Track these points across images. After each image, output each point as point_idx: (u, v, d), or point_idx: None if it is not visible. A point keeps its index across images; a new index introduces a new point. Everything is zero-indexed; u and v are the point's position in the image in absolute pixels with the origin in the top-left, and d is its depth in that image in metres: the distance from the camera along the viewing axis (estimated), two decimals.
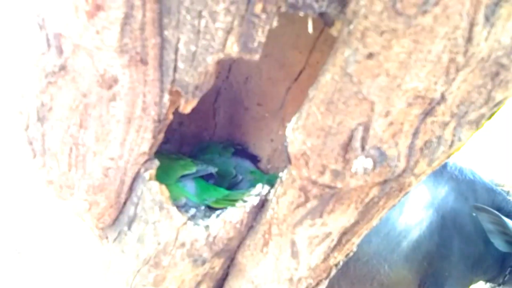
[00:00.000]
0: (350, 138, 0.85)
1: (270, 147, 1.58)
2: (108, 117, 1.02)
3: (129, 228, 1.29)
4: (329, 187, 0.99)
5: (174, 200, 1.31)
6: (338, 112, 0.78)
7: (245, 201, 1.23)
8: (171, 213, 1.18)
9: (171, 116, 1.05)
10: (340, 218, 1.09)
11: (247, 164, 1.52)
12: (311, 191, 1.02)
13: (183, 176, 1.34)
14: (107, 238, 1.44)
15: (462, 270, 2.66)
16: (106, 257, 1.47)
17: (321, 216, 1.10)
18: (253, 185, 1.44)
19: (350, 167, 0.92)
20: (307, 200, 1.04)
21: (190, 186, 1.37)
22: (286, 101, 1.48)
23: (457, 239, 2.68)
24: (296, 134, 0.97)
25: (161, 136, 1.09)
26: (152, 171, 1.13)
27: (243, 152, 1.57)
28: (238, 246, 1.38)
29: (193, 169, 1.35)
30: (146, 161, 1.13)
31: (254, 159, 1.55)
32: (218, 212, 1.24)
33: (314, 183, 1.00)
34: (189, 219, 1.21)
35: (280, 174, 1.01)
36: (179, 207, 1.31)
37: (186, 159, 1.41)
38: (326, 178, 0.97)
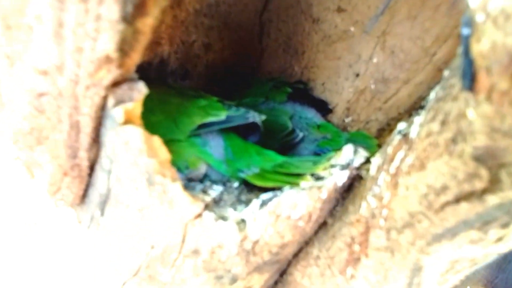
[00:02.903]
0: None
1: (353, 88, 0.93)
2: None
3: (102, 213, 0.71)
4: None
5: (186, 167, 0.72)
6: None
7: (318, 178, 0.61)
8: (171, 194, 0.58)
9: None
10: None
11: (311, 115, 1.03)
12: None
13: (203, 127, 0.73)
14: (80, 222, 0.86)
15: None
16: (81, 252, 0.91)
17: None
18: (321, 149, 0.83)
19: None
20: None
21: (215, 145, 0.77)
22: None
23: None
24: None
25: (148, 25, 0.48)
26: (131, 106, 0.53)
27: (305, 95, 1.05)
28: (297, 254, 0.78)
29: (222, 115, 0.74)
30: (116, 83, 0.53)
31: (323, 107, 1.04)
32: (264, 195, 0.63)
33: None
34: (207, 206, 0.61)
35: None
36: (191, 182, 0.71)
37: (210, 98, 0.79)
38: None
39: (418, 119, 0.52)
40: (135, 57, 0.53)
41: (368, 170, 0.64)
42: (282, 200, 0.62)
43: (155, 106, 0.78)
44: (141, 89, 0.55)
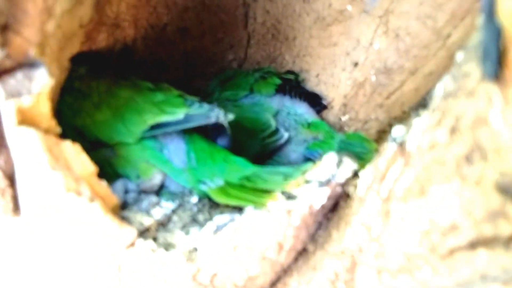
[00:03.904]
0: None
1: (351, 80, 0.78)
2: None
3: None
4: None
5: (136, 176, 0.58)
6: None
7: (290, 197, 0.46)
8: (90, 217, 0.44)
9: None
10: None
11: (302, 110, 0.86)
12: None
13: (157, 127, 0.59)
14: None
15: None
16: None
17: None
18: (311, 152, 0.69)
19: None
20: None
21: (175, 149, 0.63)
22: None
23: None
24: None
25: None
26: (28, 101, 0.39)
27: (296, 88, 0.88)
28: (274, 284, 0.64)
29: (179, 113, 0.59)
30: (7, 70, 0.39)
31: (317, 102, 0.87)
32: (218, 219, 0.49)
33: None
34: (142, 233, 0.47)
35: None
36: (143, 194, 0.58)
37: (170, 91, 0.65)
38: None
39: (418, 123, 0.37)
40: (31, 34, 0.39)
41: (356, 186, 0.49)
42: (239, 226, 0.47)
43: (102, 101, 0.64)
44: (41, 78, 0.40)
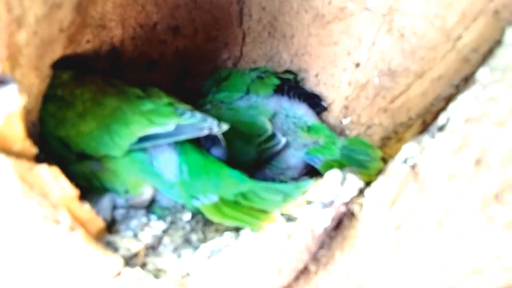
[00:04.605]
0: None
1: (352, 81, 0.74)
2: None
3: None
4: None
5: (125, 191, 0.54)
6: None
7: (290, 219, 0.43)
8: (72, 245, 0.40)
9: None
10: None
11: (302, 112, 0.81)
12: None
13: (146, 139, 0.55)
14: None
15: None
16: None
17: None
18: (311, 157, 0.66)
19: None
20: None
21: (165, 161, 0.59)
22: None
23: None
24: None
25: None
26: None
27: (295, 88, 0.83)
28: None
29: (170, 124, 0.55)
30: None
31: (316, 103, 0.82)
32: (212, 244, 0.45)
33: None
34: (130, 259, 0.43)
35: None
36: (132, 210, 0.54)
37: (159, 99, 0.61)
38: None
39: (433, 145, 0.33)
40: None
41: (361, 205, 0.45)
42: (236, 251, 0.44)
43: (87, 110, 0.60)
44: (11, 96, 0.36)
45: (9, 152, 0.38)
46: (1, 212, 0.38)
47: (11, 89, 0.37)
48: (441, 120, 0.33)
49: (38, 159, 0.43)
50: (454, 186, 0.29)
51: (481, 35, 0.52)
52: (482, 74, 0.29)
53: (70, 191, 0.42)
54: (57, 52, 0.59)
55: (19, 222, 0.39)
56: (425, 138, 0.35)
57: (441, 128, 0.32)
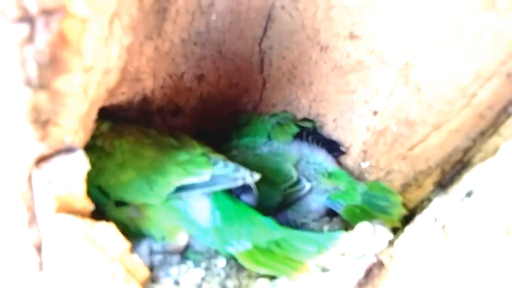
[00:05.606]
0: None
1: (370, 127, 0.78)
2: None
3: None
4: None
5: (162, 238, 0.57)
6: None
7: (324, 270, 0.46)
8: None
9: None
10: None
11: (321, 158, 0.85)
12: None
13: (182, 189, 0.59)
14: None
15: None
16: None
17: None
18: (333, 202, 0.68)
19: None
20: None
21: (199, 208, 0.62)
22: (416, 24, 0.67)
23: None
24: None
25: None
26: (65, 191, 0.39)
27: (313, 134, 0.89)
28: None
29: (205, 174, 0.60)
30: (43, 158, 0.39)
31: (335, 149, 0.87)
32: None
33: None
34: None
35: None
36: (168, 256, 0.57)
37: (194, 149, 0.65)
38: None
39: (461, 207, 0.36)
40: (70, 124, 0.39)
41: (391, 257, 0.48)
42: None
43: (127, 161, 0.64)
44: (77, 163, 0.40)
45: (73, 211, 0.42)
46: (67, 268, 0.42)
47: (78, 156, 0.41)
48: (468, 184, 0.37)
49: None
50: (481, 249, 0.33)
51: (495, 94, 0.56)
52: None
53: (124, 244, 0.46)
54: (99, 107, 0.64)
55: (81, 276, 0.42)
56: (454, 198, 0.39)
57: (469, 194, 0.36)
